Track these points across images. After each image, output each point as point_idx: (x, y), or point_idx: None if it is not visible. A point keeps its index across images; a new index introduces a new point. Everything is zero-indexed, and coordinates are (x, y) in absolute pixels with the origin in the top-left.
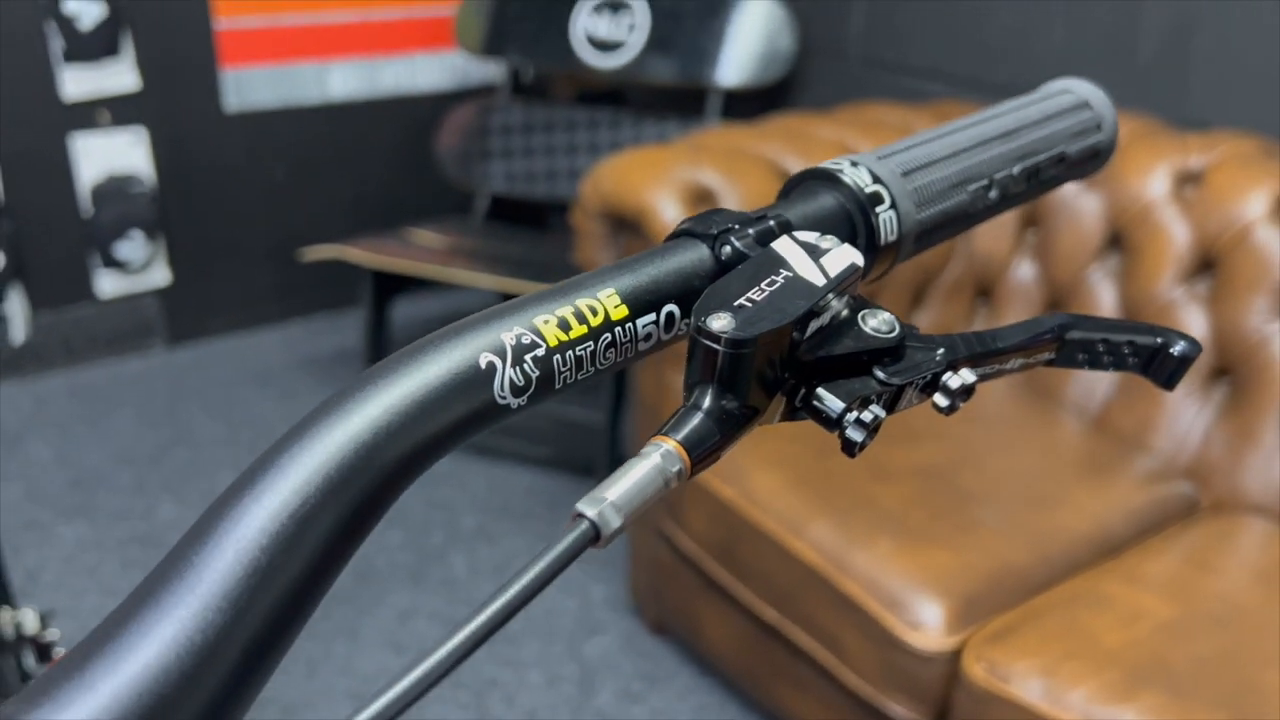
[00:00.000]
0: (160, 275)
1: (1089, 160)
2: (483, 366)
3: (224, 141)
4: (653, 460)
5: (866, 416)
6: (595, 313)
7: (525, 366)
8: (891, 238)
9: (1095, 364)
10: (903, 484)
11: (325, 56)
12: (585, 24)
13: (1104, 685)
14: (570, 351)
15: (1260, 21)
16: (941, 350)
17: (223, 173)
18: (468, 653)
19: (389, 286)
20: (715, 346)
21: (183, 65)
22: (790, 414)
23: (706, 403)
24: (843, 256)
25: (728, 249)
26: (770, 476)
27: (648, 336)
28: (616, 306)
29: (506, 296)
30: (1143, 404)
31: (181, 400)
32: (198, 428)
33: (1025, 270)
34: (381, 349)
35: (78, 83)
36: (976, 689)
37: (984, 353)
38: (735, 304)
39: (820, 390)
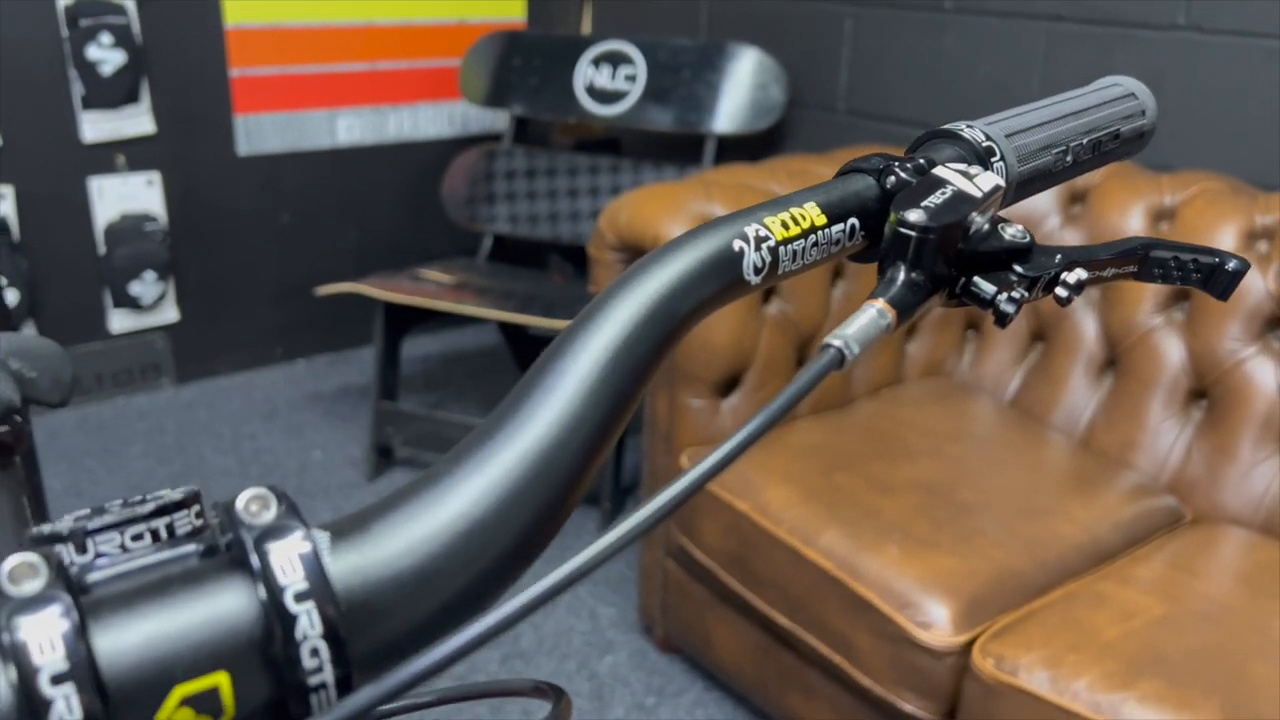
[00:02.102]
0: (169, 313)
1: (1136, 139)
2: (735, 250)
3: (235, 185)
4: (871, 313)
5: (1015, 295)
6: (804, 219)
7: (763, 252)
8: (1001, 184)
9: (1167, 279)
10: (905, 497)
11: (333, 105)
12: (586, 75)
13: (1105, 674)
14: (790, 245)
15: (1220, 74)
16: (1060, 255)
17: (233, 215)
18: (736, 456)
19: (399, 323)
20: (910, 233)
21: (197, 111)
22: (956, 301)
23: (901, 276)
24: (989, 179)
25: (892, 179)
26: (781, 490)
27: (837, 241)
28: (818, 215)
29: (515, 331)
30: (1124, 425)
31: (190, 435)
32: (207, 461)
33: None
34: (393, 384)
35: (96, 127)
36: (986, 682)
37: (1089, 260)
38: (922, 205)
39: (976, 279)
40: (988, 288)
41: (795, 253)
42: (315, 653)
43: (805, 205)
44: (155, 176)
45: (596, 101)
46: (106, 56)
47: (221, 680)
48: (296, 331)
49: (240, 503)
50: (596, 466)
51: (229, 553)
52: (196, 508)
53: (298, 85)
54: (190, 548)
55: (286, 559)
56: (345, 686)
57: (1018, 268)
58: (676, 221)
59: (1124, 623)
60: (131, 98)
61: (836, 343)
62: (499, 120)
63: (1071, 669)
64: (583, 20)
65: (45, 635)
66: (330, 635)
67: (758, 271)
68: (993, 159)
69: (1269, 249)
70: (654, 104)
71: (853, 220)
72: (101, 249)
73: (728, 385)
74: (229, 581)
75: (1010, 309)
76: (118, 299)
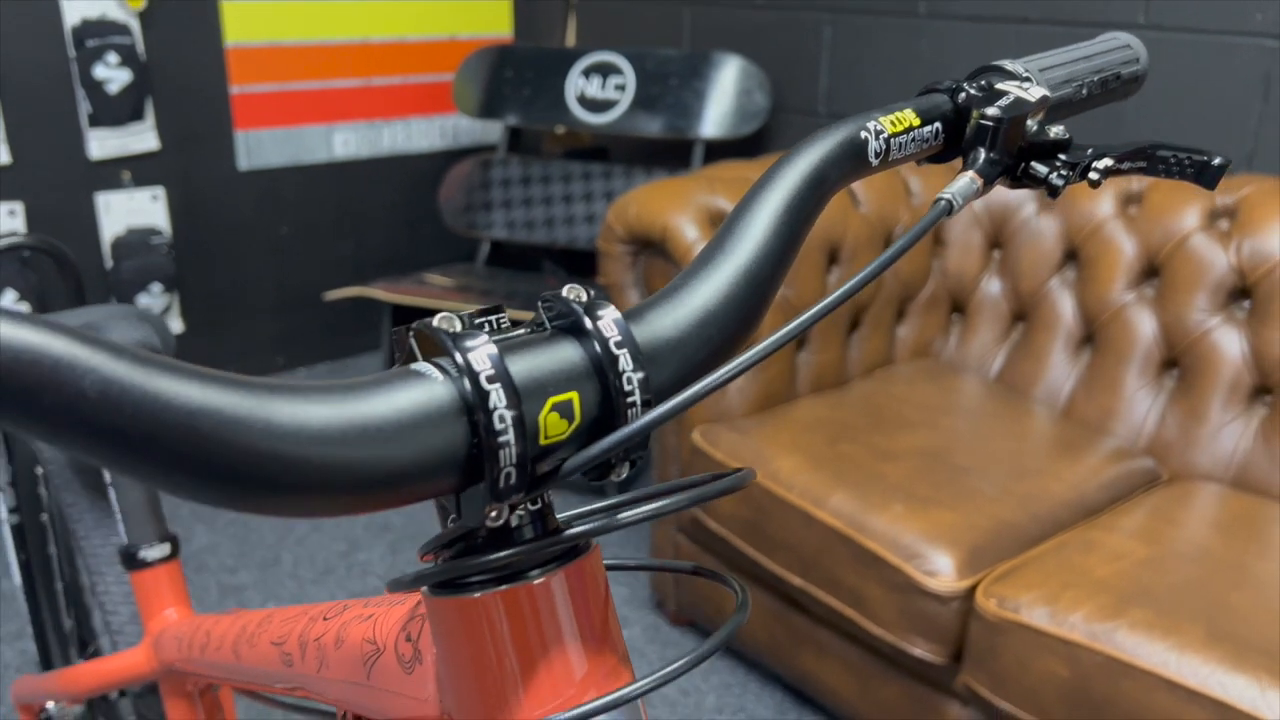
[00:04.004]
0: (174, 325)
1: (1134, 82)
2: (862, 137)
3: (236, 199)
4: (966, 179)
5: (1063, 173)
6: (906, 120)
7: (880, 141)
8: (1047, 94)
9: (1169, 173)
10: (905, 462)
11: (330, 119)
12: (578, 85)
13: (1099, 607)
14: (897, 138)
15: (1179, 68)
16: (1091, 149)
17: (234, 228)
18: (843, 300)
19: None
20: (989, 123)
21: (199, 128)
22: (1017, 183)
23: (983, 156)
24: (1037, 90)
25: (963, 95)
26: (790, 459)
27: (926, 140)
28: (914, 118)
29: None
30: (1103, 395)
31: None
32: None
33: (994, 285)
34: None
35: (103, 144)
36: (990, 620)
37: (1112, 155)
38: (996, 105)
39: (1032, 163)
40: (1041, 169)
41: (900, 144)
42: (630, 381)
43: (905, 110)
44: (160, 191)
45: (588, 111)
46: (112, 75)
47: (574, 396)
48: (297, 341)
49: (565, 291)
50: (779, 282)
51: (555, 327)
52: (506, 313)
53: (295, 101)
54: (520, 330)
55: (607, 321)
56: (647, 407)
57: (1062, 155)
58: (683, 214)
59: (1113, 563)
60: (137, 115)
61: (947, 195)
62: (489, 132)
63: (1068, 604)
64: (568, 33)
65: (481, 353)
66: (640, 370)
67: (877, 155)
68: (1031, 85)
69: (1229, 226)
70: (643, 111)
71: (937, 124)
72: (109, 262)
73: None
74: (568, 339)
75: (1060, 183)
76: None
